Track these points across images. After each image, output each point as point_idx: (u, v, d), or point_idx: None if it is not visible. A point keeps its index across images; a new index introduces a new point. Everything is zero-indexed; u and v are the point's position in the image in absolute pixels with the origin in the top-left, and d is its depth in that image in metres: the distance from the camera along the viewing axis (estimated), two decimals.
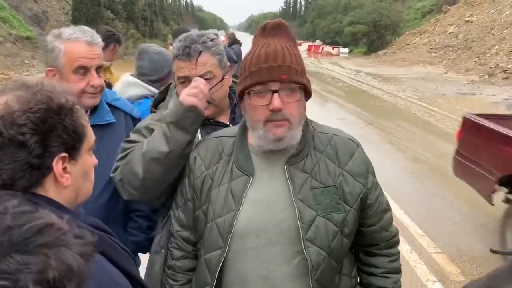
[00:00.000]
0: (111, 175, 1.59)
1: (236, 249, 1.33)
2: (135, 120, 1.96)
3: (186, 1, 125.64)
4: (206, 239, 1.38)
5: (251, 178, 1.33)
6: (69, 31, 1.70)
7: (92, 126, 1.76)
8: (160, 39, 38.21)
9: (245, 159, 1.37)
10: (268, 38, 1.32)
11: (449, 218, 4.97)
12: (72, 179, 0.93)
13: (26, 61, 20.97)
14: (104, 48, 1.97)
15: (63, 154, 0.89)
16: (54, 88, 0.91)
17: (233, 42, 8.77)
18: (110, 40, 3.63)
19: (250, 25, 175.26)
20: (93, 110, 1.79)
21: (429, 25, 30.25)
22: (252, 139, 1.37)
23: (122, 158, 1.56)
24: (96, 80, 1.71)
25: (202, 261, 1.39)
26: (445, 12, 29.38)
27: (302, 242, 1.28)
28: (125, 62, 18.07)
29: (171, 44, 3.57)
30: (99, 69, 1.75)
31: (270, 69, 1.25)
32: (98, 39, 1.75)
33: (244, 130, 1.42)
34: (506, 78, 15.91)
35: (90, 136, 0.99)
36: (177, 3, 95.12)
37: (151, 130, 1.59)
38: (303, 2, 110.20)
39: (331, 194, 1.32)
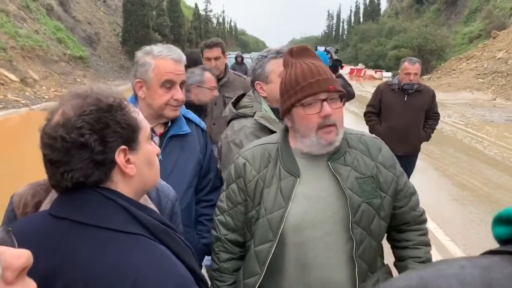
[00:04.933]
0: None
1: (296, 242, 1.49)
2: (203, 132, 2.15)
3: (230, 25, 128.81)
4: (257, 233, 1.54)
5: (298, 179, 1.50)
6: (159, 48, 1.88)
7: (172, 136, 1.96)
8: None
9: (290, 162, 1.53)
10: (297, 59, 1.53)
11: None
12: (137, 168, 1.00)
13: (78, 80, 22.07)
14: None
15: (123, 146, 0.96)
16: (101, 91, 0.99)
17: None
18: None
19: None
20: (173, 122, 1.96)
21: (476, 50, 29.48)
22: (302, 145, 1.52)
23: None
24: (180, 94, 1.88)
25: (251, 253, 1.56)
26: (494, 37, 28.57)
27: (350, 225, 1.46)
28: None
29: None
30: (182, 84, 1.91)
31: (318, 82, 1.45)
32: (183, 57, 1.91)
33: (286, 136, 1.59)
34: None
35: (145, 127, 1.05)
36: (222, 27, 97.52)
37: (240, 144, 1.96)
38: (345, 27, 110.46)
39: (370, 183, 1.52)
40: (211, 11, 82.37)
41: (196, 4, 68.26)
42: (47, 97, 17.27)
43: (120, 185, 0.98)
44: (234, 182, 1.61)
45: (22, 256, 0.60)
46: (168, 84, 1.84)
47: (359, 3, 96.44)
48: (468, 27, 37.20)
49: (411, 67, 4.64)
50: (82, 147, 0.92)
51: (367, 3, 79.39)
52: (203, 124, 2.17)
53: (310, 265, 1.49)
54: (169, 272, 0.90)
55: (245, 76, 4.34)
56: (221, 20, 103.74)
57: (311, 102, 1.45)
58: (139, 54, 1.89)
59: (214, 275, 1.66)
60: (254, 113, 2.07)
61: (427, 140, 4.91)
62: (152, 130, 1.78)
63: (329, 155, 1.51)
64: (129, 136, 0.98)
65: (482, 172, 7.94)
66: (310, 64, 1.49)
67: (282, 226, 1.46)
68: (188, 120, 2.06)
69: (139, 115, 1.04)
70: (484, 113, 15.93)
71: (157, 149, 1.11)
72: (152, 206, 1.14)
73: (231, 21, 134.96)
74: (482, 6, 36.61)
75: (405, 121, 4.67)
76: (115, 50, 31.98)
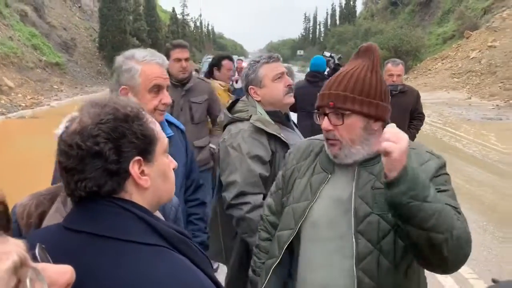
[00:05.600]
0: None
1: (310, 237, 1.52)
2: (183, 133, 2.20)
3: (207, 29, 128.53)
4: (283, 219, 1.62)
5: (329, 176, 1.52)
6: (142, 53, 1.83)
7: None
8: None
9: (328, 160, 1.55)
10: (358, 60, 1.48)
11: (483, 243, 4.86)
12: (151, 180, 0.98)
13: (55, 86, 21.65)
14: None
15: (138, 157, 0.94)
16: (119, 101, 0.98)
17: None
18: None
19: (269, 51, 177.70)
20: None
21: (450, 51, 30.12)
22: None
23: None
24: (168, 98, 1.87)
25: (275, 236, 1.65)
26: (467, 38, 29.25)
27: (353, 233, 1.41)
28: None
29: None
30: (167, 88, 1.90)
31: (322, 96, 1.48)
32: (166, 61, 1.90)
33: None
34: None
35: (163, 139, 1.03)
36: (199, 31, 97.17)
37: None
38: (322, 29, 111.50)
39: None
40: (188, 15, 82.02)
41: (173, 8, 67.84)
42: (23, 104, 16.89)
43: (135, 196, 0.96)
44: (282, 169, 1.75)
45: (66, 272, 0.59)
46: (156, 89, 1.82)
47: (335, 5, 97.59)
48: (441, 28, 37.98)
49: (394, 68, 4.72)
50: (97, 156, 0.91)
51: (343, 6, 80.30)
52: (182, 126, 2.21)
53: (315, 264, 1.50)
54: (191, 284, 0.88)
55: (208, 80, 4.28)
56: (198, 24, 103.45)
57: (320, 113, 1.50)
58: (120, 59, 1.83)
59: (254, 250, 1.82)
60: (250, 116, 2.10)
61: (412, 140, 4.97)
62: None
63: (361, 160, 1.48)
64: (145, 147, 0.96)
65: (462, 170, 8.11)
66: (344, 72, 1.46)
67: (304, 217, 1.51)
68: (170, 123, 2.08)
69: (156, 126, 1.02)
70: (461, 111, 16.30)
71: (174, 163, 1.09)
72: (157, 214, 1.13)
73: (208, 24, 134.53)
74: (454, 7, 37.43)
75: (390, 122, 4.72)
76: (92, 56, 31.51)
